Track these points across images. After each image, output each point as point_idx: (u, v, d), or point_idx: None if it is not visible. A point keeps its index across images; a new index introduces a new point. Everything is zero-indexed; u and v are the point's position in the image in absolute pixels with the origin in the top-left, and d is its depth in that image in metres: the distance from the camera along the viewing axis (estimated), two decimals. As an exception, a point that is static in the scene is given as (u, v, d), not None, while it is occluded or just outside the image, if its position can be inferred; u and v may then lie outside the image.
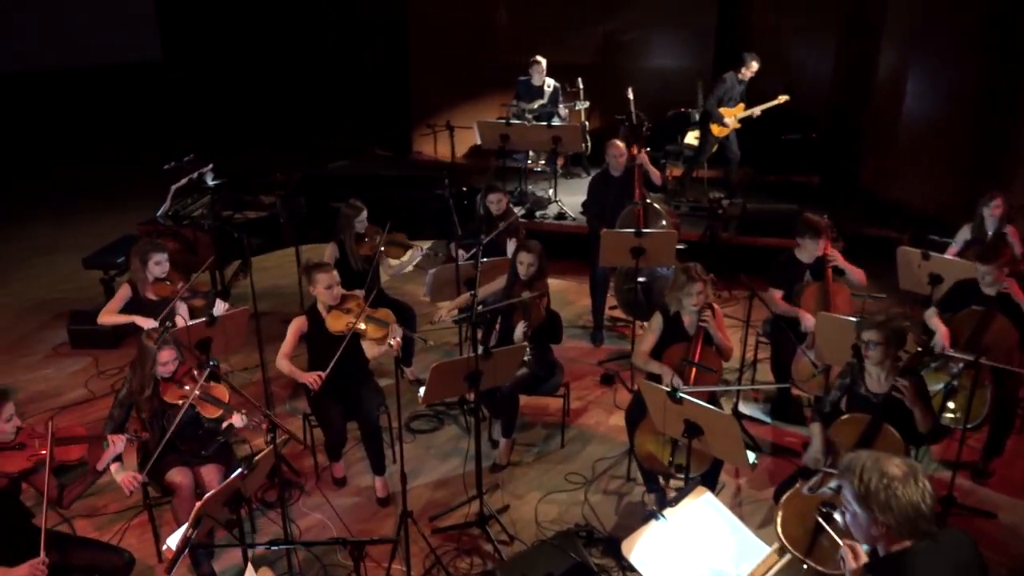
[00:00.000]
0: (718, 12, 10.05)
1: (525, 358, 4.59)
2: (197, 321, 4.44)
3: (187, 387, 3.87)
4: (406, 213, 6.63)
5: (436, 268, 5.14)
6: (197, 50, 14.03)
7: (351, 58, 12.35)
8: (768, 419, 5.38)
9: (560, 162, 9.00)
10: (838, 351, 4.52)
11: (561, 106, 8.38)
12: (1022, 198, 8.33)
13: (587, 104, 8.38)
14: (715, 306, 4.48)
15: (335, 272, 4.45)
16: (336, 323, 4.44)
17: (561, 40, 10.57)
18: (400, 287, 7.14)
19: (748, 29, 10.09)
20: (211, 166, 6.89)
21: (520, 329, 4.58)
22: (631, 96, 9.40)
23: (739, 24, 10.21)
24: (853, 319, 4.39)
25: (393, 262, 5.62)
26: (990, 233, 5.93)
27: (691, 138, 9.30)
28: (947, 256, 5.59)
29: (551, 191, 8.67)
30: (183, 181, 6.40)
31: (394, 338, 4.28)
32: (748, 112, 8.10)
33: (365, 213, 5.52)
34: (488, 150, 8.47)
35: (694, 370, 4.29)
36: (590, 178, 6.64)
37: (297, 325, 4.49)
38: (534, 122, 8.31)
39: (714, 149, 8.40)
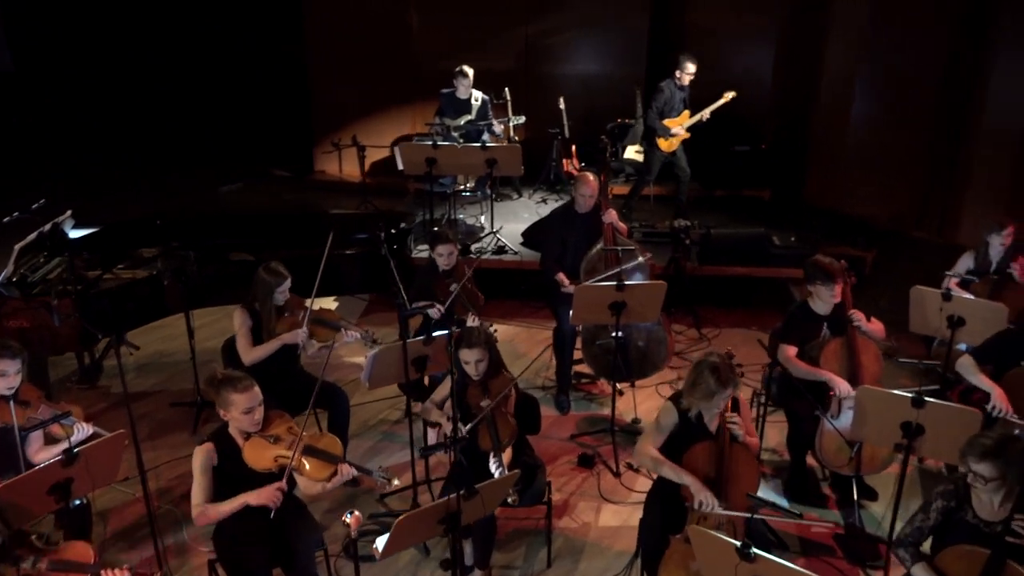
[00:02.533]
0: (651, 14, 9.22)
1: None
2: (49, 461, 3.16)
3: None
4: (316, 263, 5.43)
5: (377, 349, 4.00)
6: (55, 60, 12.12)
7: (241, 66, 10.85)
8: (784, 501, 4.51)
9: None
10: (886, 431, 3.68)
11: (496, 122, 7.32)
12: (977, 205, 7.99)
13: (523, 119, 7.36)
14: (739, 396, 3.57)
15: (256, 388, 3.23)
16: (259, 456, 3.22)
17: (479, 45, 9.51)
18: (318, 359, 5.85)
19: (682, 32, 9.32)
20: (69, 213, 5.48)
21: (495, 465, 3.52)
22: (563, 107, 8.50)
23: (673, 26, 9.43)
24: (908, 394, 3.55)
25: (315, 343, 4.45)
26: (994, 263, 5.29)
27: (632, 152, 8.45)
28: (966, 295, 4.87)
29: (482, 218, 7.63)
30: (31, 237, 4.99)
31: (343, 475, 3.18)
32: (696, 117, 7.28)
33: (288, 282, 4.34)
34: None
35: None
36: (549, 214, 5.65)
37: (203, 458, 3.23)
38: (462, 141, 7.25)
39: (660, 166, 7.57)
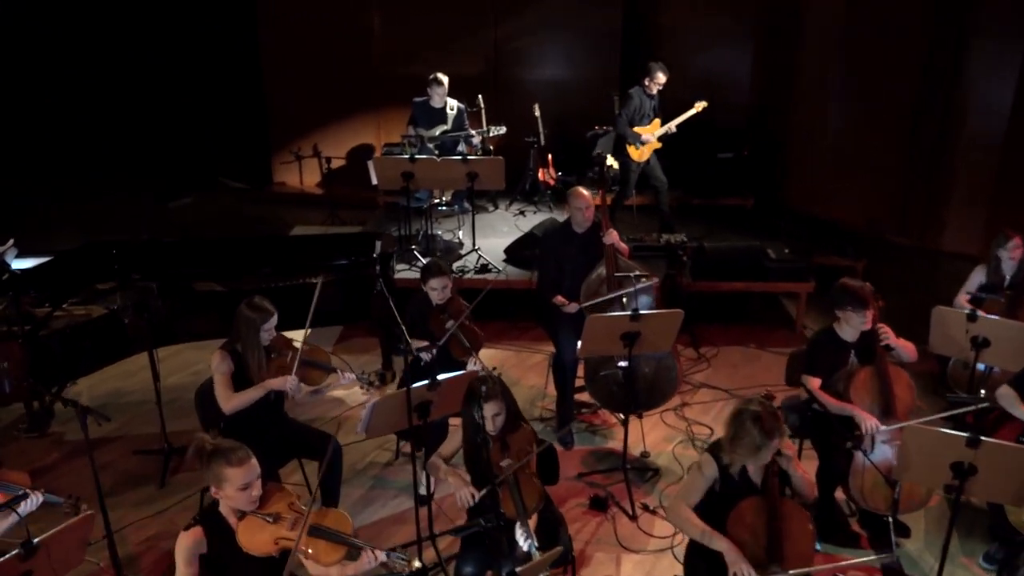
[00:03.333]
0: (623, 13, 8.92)
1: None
2: (3, 559, 2.67)
3: None
4: (293, 293, 4.97)
5: (376, 399, 3.57)
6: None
7: (187, 69, 10.16)
8: (817, 545, 4.21)
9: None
10: (934, 472, 3.42)
11: (474, 132, 6.92)
12: (960, 210, 7.91)
13: (503, 129, 6.96)
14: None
15: (254, 460, 2.77)
16: (257, 540, 2.76)
17: (445, 48, 9.11)
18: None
19: (656, 33, 9.05)
20: (12, 242, 4.92)
21: (523, 537, 3.10)
22: (538, 114, 8.15)
23: (645, 28, 9.15)
24: (963, 435, 3.29)
25: (304, 388, 3.99)
26: (1008, 277, 5.11)
27: (611, 161, 8.13)
28: (991, 316, 4.65)
29: (459, 233, 7.22)
30: (-31, 273, 4.43)
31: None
32: (663, 129, 7.01)
33: (275, 319, 3.88)
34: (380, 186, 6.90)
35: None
36: (543, 233, 5.28)
37: (188, 547, 2.74)
38: (437, 152, 6.83)
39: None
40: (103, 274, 4.80)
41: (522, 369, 5.89)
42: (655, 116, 6.92)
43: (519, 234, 7.25)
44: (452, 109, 7.00)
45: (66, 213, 9.06)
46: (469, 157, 6.25)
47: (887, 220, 8.23)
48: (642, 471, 4.74)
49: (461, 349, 4.33)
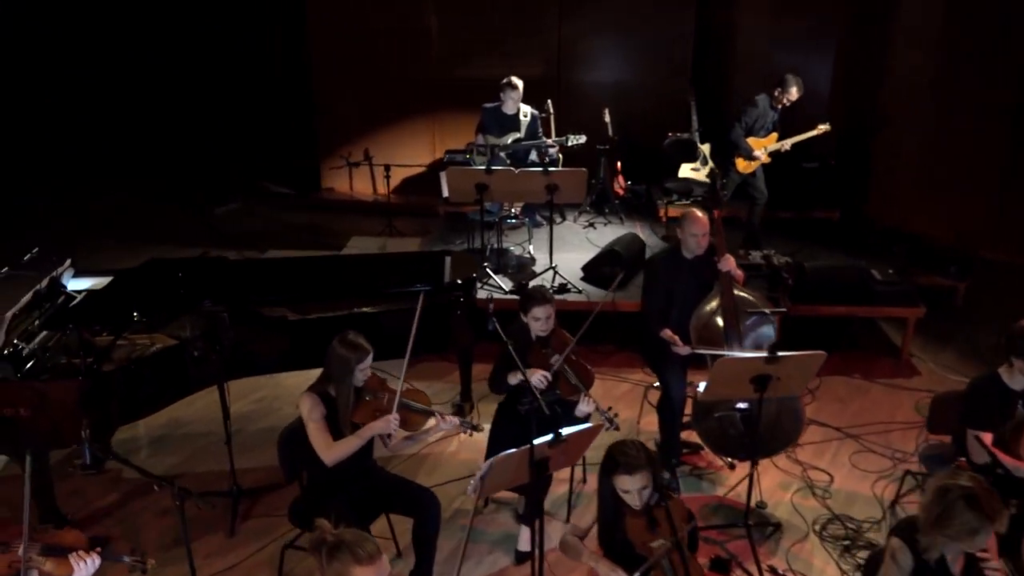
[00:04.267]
0: (696, 13, 8.41)
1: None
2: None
3: None
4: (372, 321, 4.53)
5: (495, 457, 3.11)
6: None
7: (231, 68, 9.75)
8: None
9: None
10: None
11: (550, 141, 6.45)
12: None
13: (583, 138, 6.48)
14: None
15: (384, 559, 2.27)
16: None
17: (504, 50, 8.66)
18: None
19: (730, 34, 8.54)
20: (68, 263, 4.52)
21: None
22: (608, 119, 7.67)
23: (717, 28, 8.64)
24: None
25: (401, 433, 3.55)
26: None
27: (687, 171, 7.63)
28: None
29: (530, 247, 6.76)
30: (25, 299, 4.03)
31: None
32: (778, 145, 6.52)
33: (370, 358, 3.45)
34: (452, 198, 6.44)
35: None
36: (649, 258, 4.81)
37: None
38: (509, 162, 6.39)
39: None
40: (169, 298, 4.37)
41: (608, 400, 5.38)
42: (774, 130, 6.42)
43: (592, 248, 6.82)
44: (526, 116, 6.54)
45: (109, 221, 8.73)
46: (551, 169, 5.77)
47: (980, 234, 7.65)
48: (762, 525, 4.25)
49: (570, 387, 3.86)
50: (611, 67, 8.68)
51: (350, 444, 3.42)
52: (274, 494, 4.42)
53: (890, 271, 6.03)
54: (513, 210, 6.91)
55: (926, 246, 6.98)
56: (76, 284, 4.61)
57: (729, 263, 4.33)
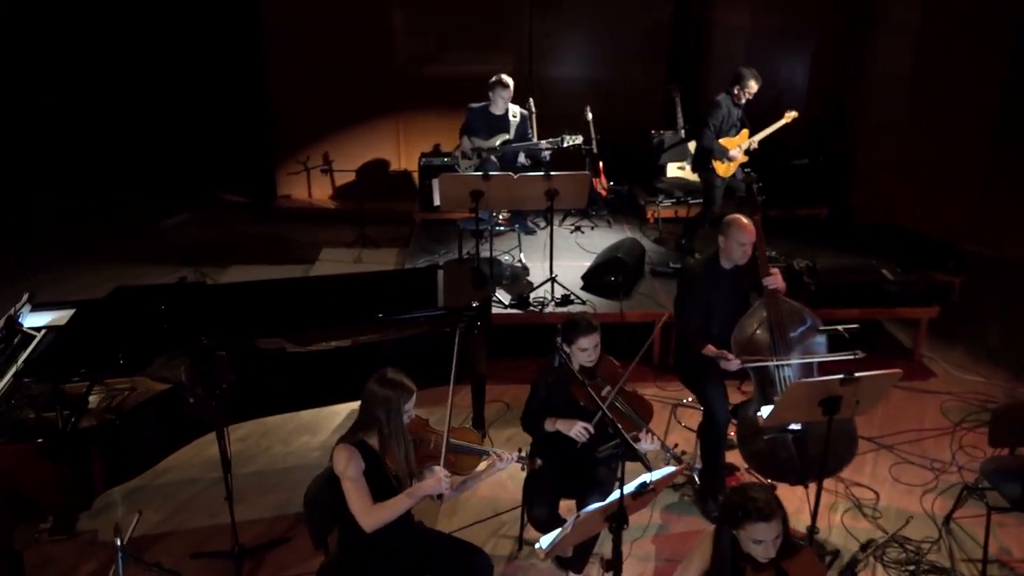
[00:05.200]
0: (673, 9, 8.15)
1: None
2: None
3: None
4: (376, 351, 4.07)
5: (580, 515, 2.70)
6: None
7: (182, 74, 8.96)
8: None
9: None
10: None
11: (544, 143, 6.06)
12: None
13: (580, 139, 6.11)
14: None
15: None
16: None
17: (475, 47, 8.25)
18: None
19: (708, 29, 8.30)
20: (26, 298, 3.90)
21: None
22: (590, 117, 7.32)
23: (695, 24, 8.39)
24: None
25: (454, 480, 3.11)
26: None
27: (674, 170, 7.37)
28: None
29: (521, 256, 6.37)
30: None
31: None
32: (747, 142, 6.28)
33: (415, 397, 3.00)
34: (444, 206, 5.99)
35: None
36: (685, 271, 4.45)
37: None
38: (498, 165, 5.98)
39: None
40: (157, 337, 3.80)
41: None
42: (742, 127, 6.16)
43: (584, 254, 6.49)
44: (515, 116, 6.13)
45: (49, 239, 7.95)
46: (553, 173, 5.38)
47: (964, 227, 7.62)
48: (820, 555, 3.96)
49: (628, 423, 3.47)
50: (585, 64, 8.38)
51: (397, 506, 2.96)
52: (283, 551, 3.92)
53: (898, 270, 5.86)
54: (500, 216, 6.50)
55: (919, 241, 6.87)
56: (34, 320, 4.00)
57: (776, 280, 4.02)
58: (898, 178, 7.72)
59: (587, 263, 6.18)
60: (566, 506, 3.62)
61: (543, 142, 6.09)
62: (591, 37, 8.27)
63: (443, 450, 3.06)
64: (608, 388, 3.51)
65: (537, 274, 6.08)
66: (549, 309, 5.56)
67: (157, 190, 8.89)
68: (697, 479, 4.34)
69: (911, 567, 3.88)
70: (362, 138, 8.57)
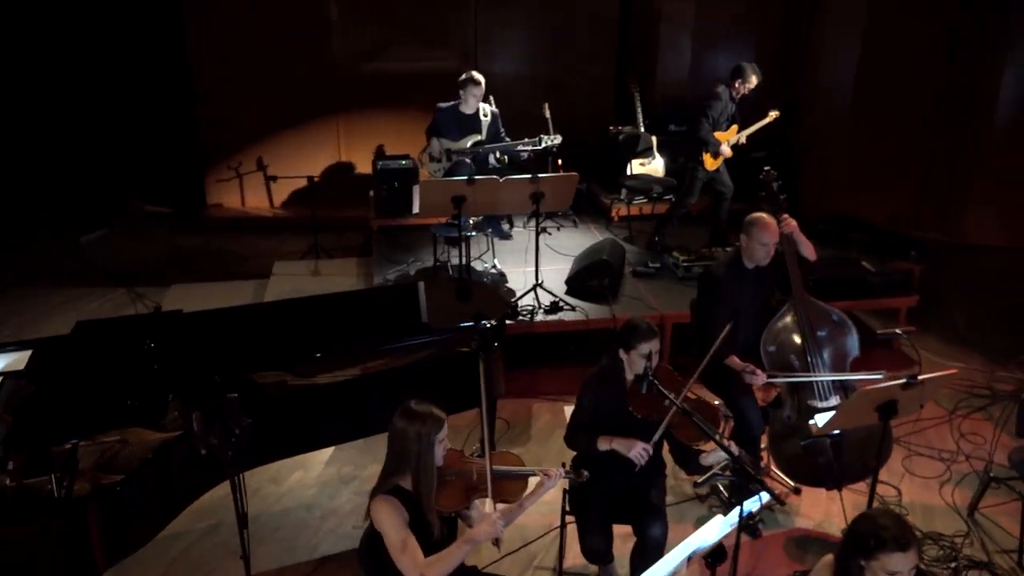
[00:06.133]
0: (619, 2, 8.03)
1: None
2: None
3: None
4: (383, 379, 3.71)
5: (692, 554, 2.46)
6: None
7: (97, 74, 8.09)
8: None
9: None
10: None
11: (524, 143, 5.78)
12: (990, 204, 7.65)
13: (559, 139, 5.87)
14: None
15: None
16: None
17: (418, 43, 7.87)
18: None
19: (653, 21, 8.19)
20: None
21: None
22: (548, 115, 7.07)
23: (640, 16, 8.28)
24: None
25: (506, 511, 2.81)
26: None
27: (637, 167, 7.24)
28: None
29: (496, 262, 6.09)
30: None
31: None
32: (736, 138, 6.25)
33: (446, 427, 2.67)
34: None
35: None
36: (708, 274, 4.26)
37: None
38: (473, 167, 5.68)
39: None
40: (159, 382, 3.29)
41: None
42: (734, 122, 6.08)
43: (558, 257, 6.26)
44: (487, 116, 5.84)
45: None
46: (540, 175, 5.12)
47: (908, 216, 7.85)
48: (863, 560, 3.88)
49: (694, 432, 3.22)
50: (534, 59, 8.13)
51: (452, 557, 2.63)
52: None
53: (877, 261, 5.93)
54: (471, 221, 6.18)
55: (875, 232, 7.00)
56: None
57: (790, 224, 4.00)
58: (844, 169, 7.84)
59: (562, 266, 5.97)
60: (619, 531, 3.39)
61: (520, 143, 5.81)
62: (535, 31, 8.04)
63: (488, 480, 2.76)
64: (672, 395, 3.24)
65: (516, 280, 5.81)
66: (539, 317, 5.30)
67: (69, 201, 8.06)
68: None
69: (952, 564, 3.85)
70: (300, 141, 8.03)
